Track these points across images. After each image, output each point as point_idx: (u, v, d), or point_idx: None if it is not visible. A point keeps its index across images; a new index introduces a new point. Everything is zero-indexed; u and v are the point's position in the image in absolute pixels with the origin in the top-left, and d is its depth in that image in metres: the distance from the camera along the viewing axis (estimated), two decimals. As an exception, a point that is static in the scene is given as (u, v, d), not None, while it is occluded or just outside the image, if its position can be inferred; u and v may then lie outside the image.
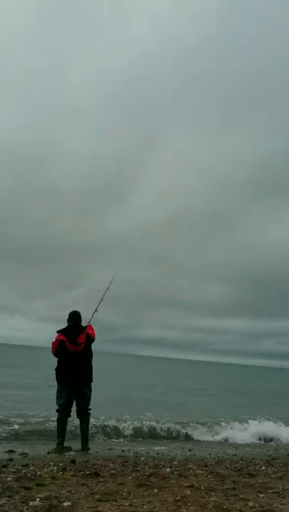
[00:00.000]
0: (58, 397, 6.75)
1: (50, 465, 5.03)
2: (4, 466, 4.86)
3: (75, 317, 6.97)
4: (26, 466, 4.96)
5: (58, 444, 6.49)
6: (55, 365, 6.85)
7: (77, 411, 6.79)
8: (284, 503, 3.85)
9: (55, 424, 6.83)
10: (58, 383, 6.84)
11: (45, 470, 4.73)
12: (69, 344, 6.75)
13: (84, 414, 6.76)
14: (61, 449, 6.38)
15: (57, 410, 6.70)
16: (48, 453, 6.10)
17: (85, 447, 6.62)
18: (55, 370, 6.86)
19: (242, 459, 6.64)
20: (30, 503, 3.40)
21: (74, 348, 6.75)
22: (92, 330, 7.01)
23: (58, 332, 6.89)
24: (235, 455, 7.08)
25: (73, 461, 5.38)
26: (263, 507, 3.66)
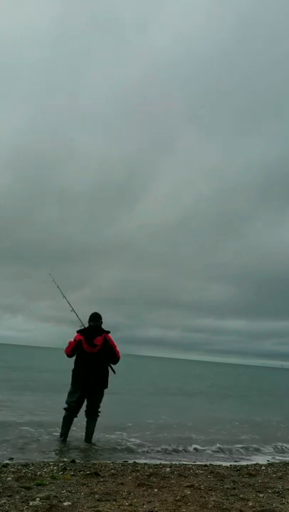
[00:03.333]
0: (68, 396, 6.74)
1: (50, 465, 5.04)
2: (4, 466, 4.86)
3: (95, 318, 6.89)
4: (26, 465, 4.96)
5: (62, 441, 6.54)
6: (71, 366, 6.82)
7: (87, 411, 6.78)
8: (284, 503, 3.85)
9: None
10: (71, 384, 6.80)
11: (45, 470, 4.74)
12: (85, 344, 6.68)
13: (92, 415, 6.75)
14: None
15: (64, 408, 6.70)
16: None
17: (88, 442, 6.65)
18: (72, 371, 6.81)
19: (242, 459, 6.64)
20: (31, 503, 3.40)
21: (90, 349, 6.69)
22: (114, 345, 6.81)
23: (77, 332, 6.84)
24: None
25: (73, 461, 5.39)
26: (262, 507, 3.66)
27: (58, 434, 6.90)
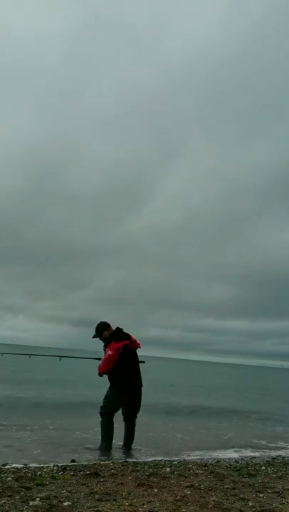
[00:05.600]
0: (111, 400, 6.43)
1: (50, 465, 5.04)
2: (4, 466, 4.86)
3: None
4: (26, 465, 4.97)
5: (106, 446, 6.40)
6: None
7: (128, 417, 6.61)
8: (284, 503, 3.85)
9: None
10: (115, 388, 6.46)
11: (45, 470, 4.74)
12: (132, 344, 6.51)
13: (133, 418, 6.65)
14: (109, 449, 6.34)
15: (103, 413, 6.44)
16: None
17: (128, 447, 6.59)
18: (112, 374, 6.48)
19: (242, 459, 6.64)
20: (31, 503, 3.40)
21: (137, 345, 6.59)
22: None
23: (107, 344, 6.49)
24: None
25: (73, 461, 5.39)
26: (262, 507, 3.66)
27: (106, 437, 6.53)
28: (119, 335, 6.58)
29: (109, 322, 6.77)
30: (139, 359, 6.75)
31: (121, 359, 6.42)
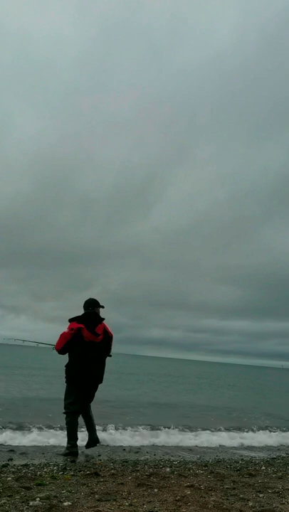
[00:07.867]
0: (67, 397, 5.85)
1: (50, 465, 5.04)
2: (4, 466, 4.87)
3: (93, 304, 5.97)
4: (26, 465, 4.97)
5: (71, 447, 5.79)
6: (65, 361, 5.95)
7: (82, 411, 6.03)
8: (284, 503, 3.85)
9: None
10: (68, 382, 5.87)
11: (45, 470, 4.74)
12: (87, 332, 5.72)
13: (88, 411, 6.07)
14: (75, 453, 5.75)
15: (65, 412, 5.85)
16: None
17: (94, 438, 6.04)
18: (66, 366, 5.89)
19: (242, 459, 6.64)
20: (31, 503, 3.40)
21: (92, 338, 5.75)
22: (112, 335, 6.03)
23: (70, 321, 5.85)
24: (235, 454, 7.08)
25: (73, 461, 5.39)
26: (262, 507, 3.66)
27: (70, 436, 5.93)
28: (85, 317, 5.87)
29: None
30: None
31: (73, 342, 5.78)
